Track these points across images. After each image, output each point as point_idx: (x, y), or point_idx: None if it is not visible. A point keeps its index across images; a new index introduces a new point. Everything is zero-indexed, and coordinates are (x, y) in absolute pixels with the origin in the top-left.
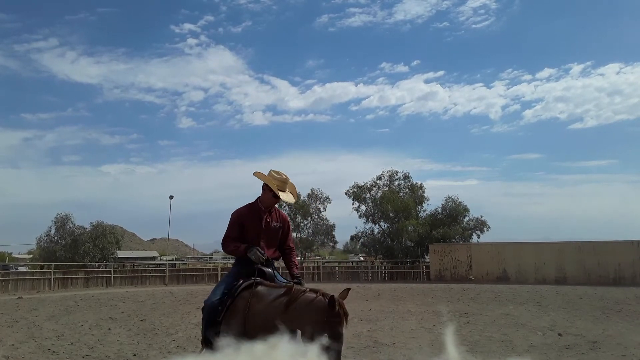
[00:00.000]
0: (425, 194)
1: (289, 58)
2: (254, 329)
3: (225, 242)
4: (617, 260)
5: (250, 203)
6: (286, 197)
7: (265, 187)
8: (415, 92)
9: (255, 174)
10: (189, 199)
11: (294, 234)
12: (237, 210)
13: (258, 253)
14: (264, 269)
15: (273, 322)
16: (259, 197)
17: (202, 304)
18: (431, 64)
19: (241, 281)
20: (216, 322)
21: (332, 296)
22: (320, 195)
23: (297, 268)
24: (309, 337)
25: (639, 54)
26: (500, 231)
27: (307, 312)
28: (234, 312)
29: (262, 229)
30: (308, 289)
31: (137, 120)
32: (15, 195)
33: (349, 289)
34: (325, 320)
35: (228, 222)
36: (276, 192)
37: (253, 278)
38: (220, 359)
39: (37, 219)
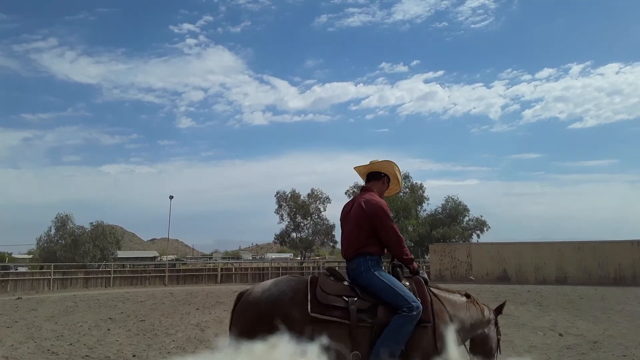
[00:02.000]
0: (425, 194)
1: (288, 58)
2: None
3: (404, 244)
4: (618, 260)
5: (378, 194)
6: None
7: (394, 178)
8: (415, 92)
9: (383, 162)
10: (189, 199)
11: (293, 234)
12: (384, 202)
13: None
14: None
15: (479, 328)
16: (374, 191)
17: (413, 307)
18: (431, 64)
19: (408, 284)
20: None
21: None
22: (320, 195)
23: None
24: (487, 338)
25: (639, 54)
26: (500, 231)
27: (487, 318)
28: (443, 317)
29: None
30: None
31: (137, 120)
32: (15, 195)
33: (505, 302)
34: (497, 323)
35: (385, 216)
36: (401, 186)
37: (416, 277)
38: (221, 358)
39: (37, 219)
